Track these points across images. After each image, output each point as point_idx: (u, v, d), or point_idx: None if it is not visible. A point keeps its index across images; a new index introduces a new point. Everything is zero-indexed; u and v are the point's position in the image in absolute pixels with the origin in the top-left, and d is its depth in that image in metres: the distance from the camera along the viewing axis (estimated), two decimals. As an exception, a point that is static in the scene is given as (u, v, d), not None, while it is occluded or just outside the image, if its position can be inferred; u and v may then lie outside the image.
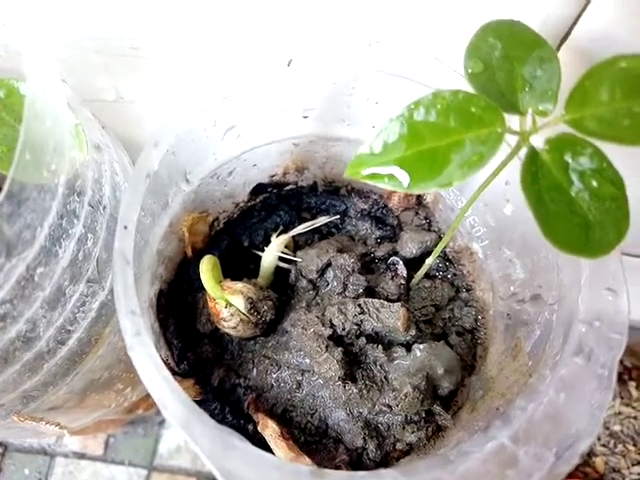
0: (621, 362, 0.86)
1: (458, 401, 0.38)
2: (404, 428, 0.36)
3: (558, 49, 0.31)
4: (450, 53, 0.31)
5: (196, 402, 0.25)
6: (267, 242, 0.44)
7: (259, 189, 0.46)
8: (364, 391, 0.36)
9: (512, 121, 0.25)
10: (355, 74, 0.35)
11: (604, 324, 0.26)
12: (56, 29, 0.35)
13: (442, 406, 0.37)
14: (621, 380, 0.85)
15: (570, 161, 0.23)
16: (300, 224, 0.44)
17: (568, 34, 0.30)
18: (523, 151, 0.25)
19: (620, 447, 0.81)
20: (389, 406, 0.36)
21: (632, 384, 0.85)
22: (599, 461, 0.80)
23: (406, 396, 0.34)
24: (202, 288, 0.40)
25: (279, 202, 0.48)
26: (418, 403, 0.35)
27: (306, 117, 0.39)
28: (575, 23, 0.30)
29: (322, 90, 0.37)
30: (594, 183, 0.23)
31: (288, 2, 0.34)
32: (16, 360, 0.30)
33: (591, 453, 0.80)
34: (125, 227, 0.25)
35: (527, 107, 0.25)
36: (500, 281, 0.39)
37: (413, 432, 0.36)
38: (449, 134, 0.24)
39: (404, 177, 0.24)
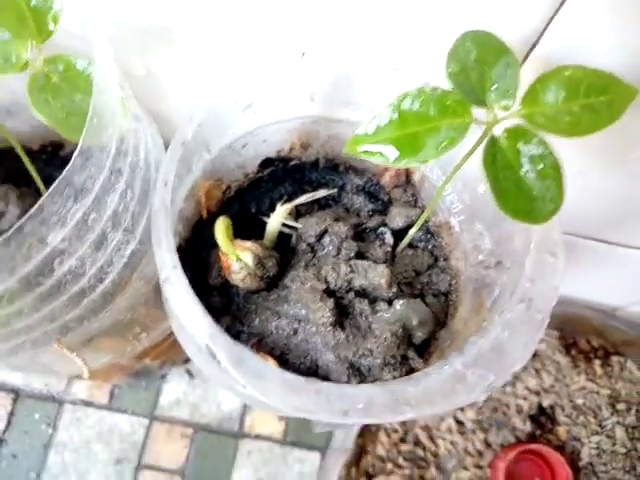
0: (588, 342, 0.93)
1: (430, 350, 0.45)
2: (382, 369, 0.43)
3: (527, 57, 0.37)
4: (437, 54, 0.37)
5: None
6: (272, 209, 0.50)
7: (267, 162, 0.52)
8: (350, 337, 0.42)
9: (480, 114, 0.31)
10: (359, 66, 0.40)
11: (544, 280, 0.33)
12: (101, 13, 0.41)
13: (416, 353, 0.44)
14: (587, 358, 0.91)
15: (522, 147, 0.30)
16: (302, 195, 0.50)
17: (536, 44, 0.36)
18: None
19: (582, 418, 0.85)
20: (370, 350, 0.42)
21: (597, 362, 0.90)
22: (562, 430, 0.85)
23: (385, 340, 0.41)
24: (214, 246, 0.45)
25: (284, 175, 0.54)
26: (394, 347, 0.41)
27: (313, 100, 0.45)
28: (541, 35, 0.36)
29: (329, 77, 0.43)
30: (539, 166, 0.29)
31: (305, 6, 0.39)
32: (65, 292, 0.36)
33: (555, 422, 0.86)
34: (165, 184, 0.31)
35: (493, 103, 0.32)
36: (471, 251, 0.46)
37: (389, 372, 0.42)
38: (429, 121, 0.30)
39: (392, 154, 0.31)
